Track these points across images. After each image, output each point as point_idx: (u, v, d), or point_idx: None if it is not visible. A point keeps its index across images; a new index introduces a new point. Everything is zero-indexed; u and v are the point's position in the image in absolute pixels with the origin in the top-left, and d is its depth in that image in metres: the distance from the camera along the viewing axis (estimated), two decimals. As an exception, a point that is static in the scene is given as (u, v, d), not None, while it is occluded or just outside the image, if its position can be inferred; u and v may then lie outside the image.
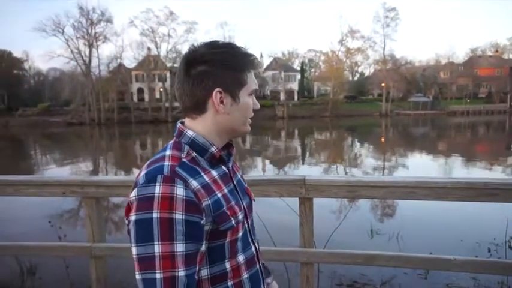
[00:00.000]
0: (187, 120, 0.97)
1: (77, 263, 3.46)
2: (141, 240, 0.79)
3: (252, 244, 1.00)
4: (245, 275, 0.95)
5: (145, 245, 0.79)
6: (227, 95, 0.92)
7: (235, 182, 0.99)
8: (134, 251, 0.80)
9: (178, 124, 0.96)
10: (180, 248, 0.79)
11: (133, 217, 0.81)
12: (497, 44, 66.70)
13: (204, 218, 0.84)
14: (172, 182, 0.81)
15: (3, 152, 22.25)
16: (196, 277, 0.84)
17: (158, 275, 0.78)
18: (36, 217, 6.15)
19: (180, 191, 0.81)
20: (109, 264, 2.58)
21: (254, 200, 1.08)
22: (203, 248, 0.85)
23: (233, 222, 0.89)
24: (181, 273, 0.79)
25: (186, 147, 0.92)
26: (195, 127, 0.94)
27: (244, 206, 0.99)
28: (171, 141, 0.95)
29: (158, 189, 0.80)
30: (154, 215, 0.78)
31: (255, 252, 1.01)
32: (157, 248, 0.78)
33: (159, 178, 0.81)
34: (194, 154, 0.91)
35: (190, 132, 0.93)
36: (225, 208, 0.88)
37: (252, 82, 0.95)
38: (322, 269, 3.48)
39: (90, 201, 2.42)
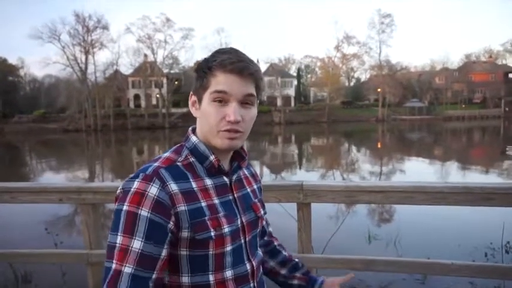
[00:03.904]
0: None
1: (73, 270, 3.44)
2: (112, 229, 0.82)
3: (247, 261, 0.96)
4: None
5: (113, 234, 0.82)
6: (196, 98, 0.95)
7: (236, 195, 0.97)
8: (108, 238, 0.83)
9: (189, 129, 0.99)
10: (136, 244, 0.80)
11: (115, 207, 0.85)
12: (490, 50, 67.51)
13: (172, 223, 0.83)
14: (150, 181, 0.83)
15: (-2, 159, 22.09)
16: (151, 284, 0.81)
17: (113, 265, 0.79)
18: (33, 224, 6.11)
19: (153, 190, 0.82)
20: (106, 271, 2.56)
21: (261, 217, 1.04)
22: (164, 253, 0.83)
23: (212, 233, 0.87)
24: (127, 269, 0.78)
25: (186, 152, 0.94)
26: (197, 133, 0.97)
27: (244, 221, 0.96)
28: (178, 144, 0.98)
29: (136, 184, 0.83)
30: (124, 207, 0.82)
31: (249, 270, 0.96)
32: (118, 239, 0.80)
33: (141, 176, 0.85)
34: (192, 159, 0.93)
35: (194, 138, 0.95)
36: (206, 218, 0.87)
37: (217, 85, 0.87)
38: (320, 274, 3.47)
39: (86, 208, 2.41)
